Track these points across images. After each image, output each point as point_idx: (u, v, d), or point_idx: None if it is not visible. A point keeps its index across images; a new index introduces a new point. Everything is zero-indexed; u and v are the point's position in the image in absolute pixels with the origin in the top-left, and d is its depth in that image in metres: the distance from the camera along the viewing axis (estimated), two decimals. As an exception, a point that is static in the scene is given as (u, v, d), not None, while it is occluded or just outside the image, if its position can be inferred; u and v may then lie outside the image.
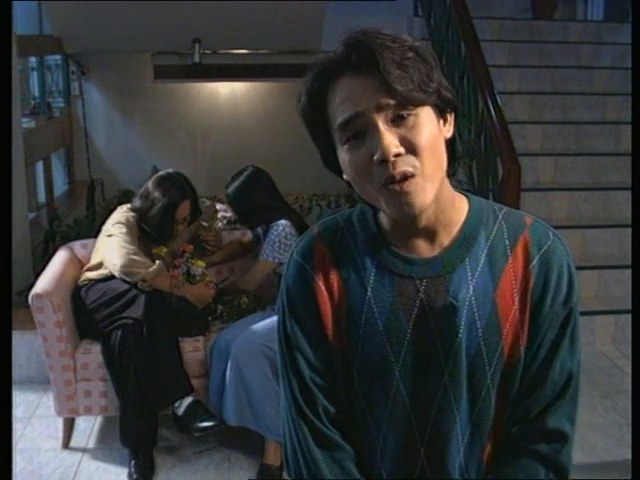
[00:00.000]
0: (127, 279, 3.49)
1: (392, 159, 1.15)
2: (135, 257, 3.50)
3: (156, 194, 3.62)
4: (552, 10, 7.49)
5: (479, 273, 1.27)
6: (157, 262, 3.54)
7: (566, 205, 5.20)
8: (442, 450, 1.31)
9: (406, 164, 1.16)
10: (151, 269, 3.49)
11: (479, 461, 1.34)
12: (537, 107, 5.94)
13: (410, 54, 1.18)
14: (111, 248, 3.55)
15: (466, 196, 1.33)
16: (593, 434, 3.44)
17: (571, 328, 1.30)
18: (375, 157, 1.16)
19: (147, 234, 3.71)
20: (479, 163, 4.59)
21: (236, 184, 3.71)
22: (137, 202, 3.71)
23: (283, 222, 3.58)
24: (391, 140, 1.16)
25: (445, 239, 1.28)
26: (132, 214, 3.69)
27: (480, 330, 1.25)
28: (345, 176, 1.27)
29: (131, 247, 3.53)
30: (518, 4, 7.67)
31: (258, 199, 3.69)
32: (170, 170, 3.76)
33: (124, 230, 3.57)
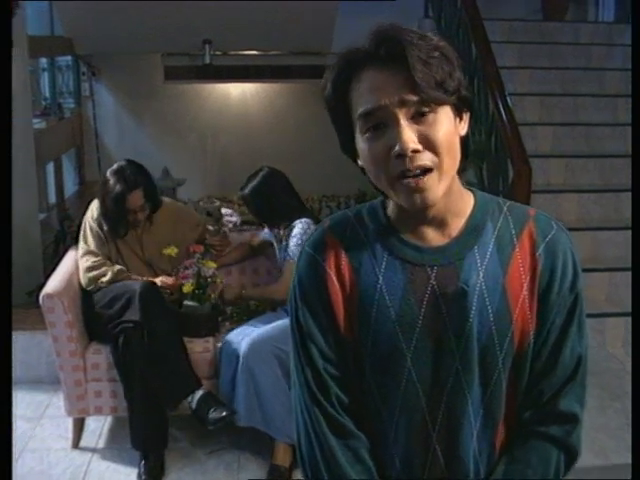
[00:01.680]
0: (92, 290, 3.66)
1: (410, 154, 1.20)
2: (89, 275, 3.64)
3: (107, 187, 3.66)
4: (563, 11, 7.47)
5: (488, 260, 1.30)
6: (110, 269, 3.63)
7: (576, 207, 5.17)
8: (455, 435, 1.33)
9: (423, 159, 1.21)
10: (105, 278, 3.62)
11: (491, 446, 1.36)
12: (547, 108, 5.92)
13: (436, 53, 1.22)
14: (79, 257, 3.74)
15: (472, 191, 1.38)
16: (603, 436, 3.42)
17: (578, 313, 1.33)
18: (393, 150, 1.21)
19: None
20: (489, 164, 4.57)
21: (253, 184, 3.68)
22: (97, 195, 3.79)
23: (306, 220, 3.57)
24: (410, 136, 1.20)
25: (454, 229, 1.32)
26: (97, 208, 3.78)
27: (491, 315, 1.28)
28: (360, 162, 1.31)
29: (93, 252, 3.68)
30: (528, 5, 7.66)
31: (276, 198, 3.67)
32: (122, 162, 3.77)
33: (86, 232, 3.73)
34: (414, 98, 1.20)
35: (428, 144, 1.21)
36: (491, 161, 4.53)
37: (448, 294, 1.29)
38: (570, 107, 5.93)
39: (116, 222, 3.69)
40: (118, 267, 3.65)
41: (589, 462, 3.11)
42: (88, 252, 3.67)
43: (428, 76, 1.19)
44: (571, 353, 1.33)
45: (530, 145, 4.90)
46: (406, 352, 1.30)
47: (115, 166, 3.72)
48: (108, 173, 3.70)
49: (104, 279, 3.60)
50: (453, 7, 5.66)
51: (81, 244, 3.72)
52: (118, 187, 3.60)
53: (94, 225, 3.70)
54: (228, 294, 3.73)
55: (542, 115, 5.90)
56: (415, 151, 1.20)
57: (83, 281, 3.66)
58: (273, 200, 3.67)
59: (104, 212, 3.69)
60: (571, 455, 1.35)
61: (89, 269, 3.63)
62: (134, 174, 3.67)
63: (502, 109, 4.35)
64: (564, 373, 1.33)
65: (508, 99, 4.48)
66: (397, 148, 1.20)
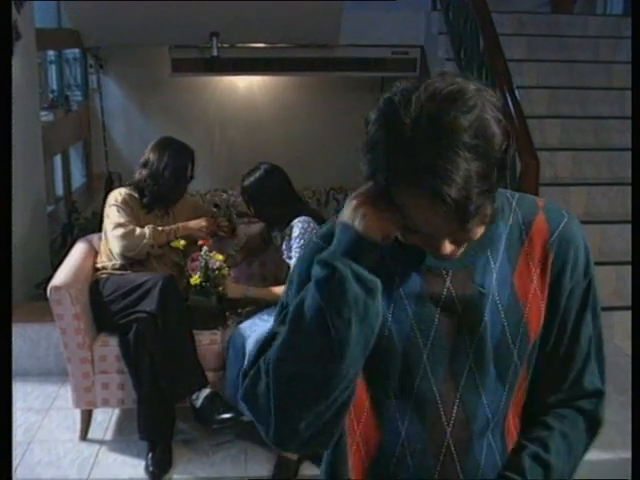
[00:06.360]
0: (134, 257, 3.64)
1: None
2: (128, 238, 3.59)
3: (165, 158, 3.75)
4: (571, 4, 7.45)
5: (500, 260, 1.31)
6: (146, 228, 3.63)
7: (584, 200, 5.17)
8: (469, 430, 1.33)
9: (450, 247, 1.18)
10: (146, 239, 3.61)
11: (504, 440, 1.37)
12: (555, 101, 5.91)
13: (475, 142, 1.08)
14: (108, 233, 3.69)
15: None
16: (610, 431, 3.42)
17: (592, 297, 1.35)
18: (423, 230, 1.16)
19: (145, 207, 3.79)
20: (497, 158, 4.57)
21: (250, 180, 3.63)
22: (143, 171, 3.79)
23: (305, 218, 3.48)
24: (448, 245, 1.18)
25: None
26: (126, 191, 3.77)
27: (502, 312, 1.29)
28: None
29: (124, 223, 3.62)
30: (537, -2, 7.64)
31: (272, 196, 3.61)
32: (164, 136, 3.92)
33: (115, 209, 3.68)
34: (464, 236, 1.16)
35: (462, 242, 1.19)
36: (499, 154, 4.53)
37: (464, 296, 1.29)
38: (578, 100, 5.93)
39: (176, 192, 3.81)
40: (149, 227, 3.66)
41: (595, 456, 3.11)
42: (119, 225, 3.63)
43: (468, 201, 1.08)
44: (587, 337, 1.35)
45: (538, 138, 4.89)
46: (422, 349, 1.30)
47: (162, 139, 3.87)
48: (158, 148, 3.79)
49: (144, 242, 3.60)
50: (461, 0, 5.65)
51: (110, 219, 3.67)
52: (186, 152, 3.83)
53: (121, 205, 3.68)
54: (232, 292, 3.68)
55: (550, 108, 5.90)
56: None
57: (118, 247, 3.61)
58: (268, 197, 3.60)
59: (158, 184, 3.74)
60: (596, 427, 1.38)
61: (128, 229, 3.61)
62: (185, 145, 3.88)
63: (510, 102, 4.34)
64: (582, 356, 1.35)
65: (516, 92, 4.47)
66: (432, 242, 1.17)
